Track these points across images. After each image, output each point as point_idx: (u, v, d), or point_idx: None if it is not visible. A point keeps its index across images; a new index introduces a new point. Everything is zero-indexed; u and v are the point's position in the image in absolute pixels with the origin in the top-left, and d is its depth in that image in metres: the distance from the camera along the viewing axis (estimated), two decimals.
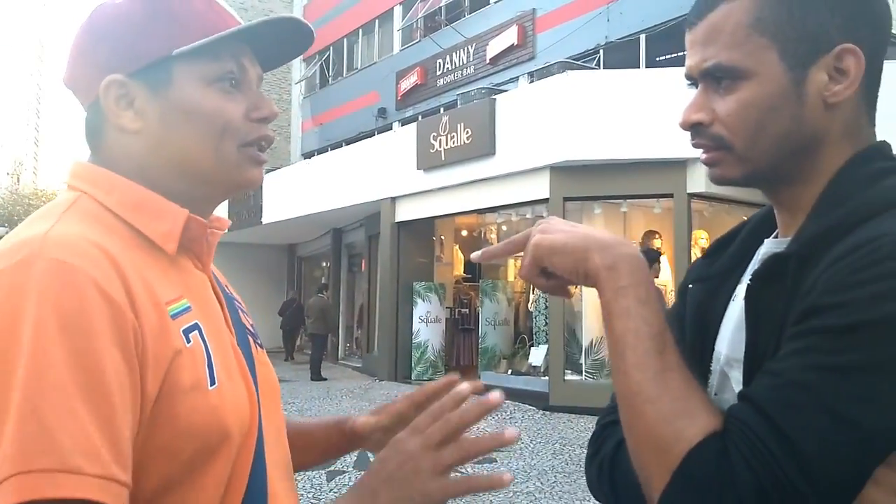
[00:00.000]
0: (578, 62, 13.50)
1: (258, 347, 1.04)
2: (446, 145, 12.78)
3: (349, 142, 19.45)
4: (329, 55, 23.93)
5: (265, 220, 18.77)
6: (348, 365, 17.72)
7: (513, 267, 15.03)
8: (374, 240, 15.62)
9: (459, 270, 15.91)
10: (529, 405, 10.56)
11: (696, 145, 0.96)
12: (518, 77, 16.19)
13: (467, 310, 15.12)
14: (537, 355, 11.77)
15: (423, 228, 14.64)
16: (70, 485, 0.71)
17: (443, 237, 15.48)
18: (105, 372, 0.76)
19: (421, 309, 14.07)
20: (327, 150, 20.41)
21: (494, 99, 12.24)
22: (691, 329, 1.02)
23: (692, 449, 0.79)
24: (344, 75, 23.35)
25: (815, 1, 0.89)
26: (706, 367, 0.99)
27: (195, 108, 0.94)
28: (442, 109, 16.10)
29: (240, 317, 1.05)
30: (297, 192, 17.27)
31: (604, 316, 0.89)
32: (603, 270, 0.88)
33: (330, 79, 23.94)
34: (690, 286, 1.07)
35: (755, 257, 1.00)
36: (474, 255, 1.07)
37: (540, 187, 11.07)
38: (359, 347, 18.08)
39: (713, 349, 0.99)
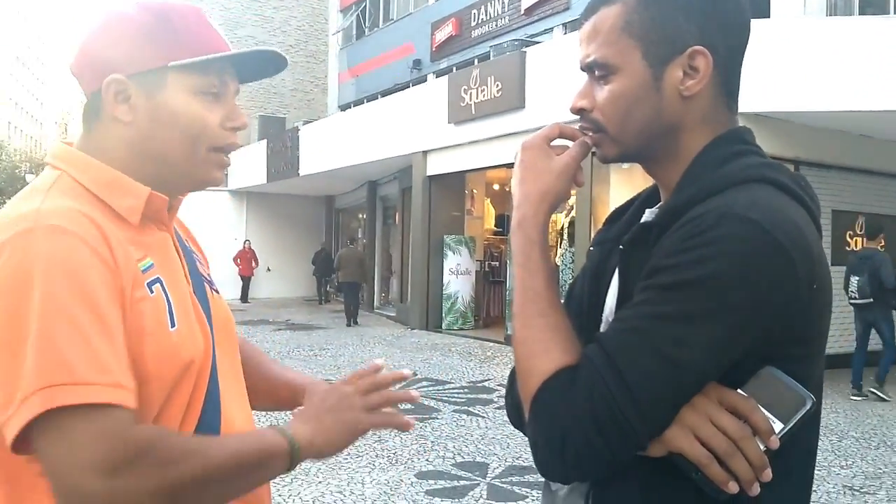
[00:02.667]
0: None
1: (214, 293, 1.25)
2: (477, 98, 12.82)
3: (385, 94, 19.52)
4: (365, 5, 23.85)
5: (302, 171, 19.02)
6: (382, 314, 18.11)
7: None
8: (407, 193, 15.79)
9: (490, 224, 16.06)
10: None
11: (581, 128, 1.14)
12: (553, 28, 16.02)
13: (497, 262, 15.32)
14: None
15: (454, 182, 14.77)
16: (84, 393, 0.90)
17: (474, 191, 15.61)
18: (103, 306, 0.96)
19: (451, 261, 14.31)
20: (363, 102, 20.52)
21: (524, 52, 12.20)
22: (589, 285, 1.20)
23: (545, 380, 0.97)
24: (380, 26, 23.28)
25: (674, 10, 1.06)
26: (599, 316, 1.16)
27: (180, 112, 1.12)
28: (476, 61, 16.05)
29: (197, 267, 1.24)
30: (334, 144, 17.45)
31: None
32: (515, 226, 1.10)
33: (367, 30, 23.89)
34: (591, 248, 1.25)
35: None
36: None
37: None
38: (392, 297, 18.42)
39: (604, 302, 1.17)
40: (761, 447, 0.91)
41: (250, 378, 1.31)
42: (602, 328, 1.14)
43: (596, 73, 1.09)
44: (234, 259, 20.72)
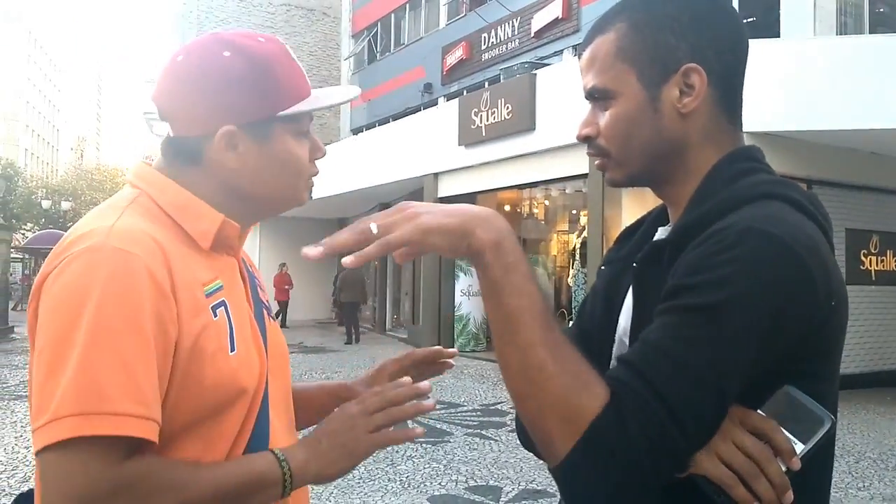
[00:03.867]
0: None
1: (271, 319, 1.27)
2: (487, 121, 12.89)
3: (396, 117, 19.65)
4: (377, 31, 24.10)
5: (315, 194, 18.95)
6: (395, 336, 18.08)
7: (555, 241, 15.13)
8: None
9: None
10: None
11: (589, 154, 1.15)
12: (563, 50, 16.13)
13: None
14: None
15: (465, 203, 14.79)
16: (115, 425, 0.93)
17: None
18: (149, 332, 0.98)
19: (463, 283, 14.31)
20: (375, 126, 20.65)
21: (535, 74, 12.28)
22: (601, 304, 1.19)
23: (595, 419, 0.88)
24: (391, 51, 23.50)
25: (664, 31, 1.07)
26: (612, 336, 1.16)
27: (286, 158, 1.17)
28: (486, 84, 16.16)
29: (258, 293, 1.26)
30: (346, 167, 17.56)
31: (489, 292, 0.92)
32: (489, 246, 0.91)
33: (378, 54, 24.11)
34: (602, 268, 1.25)
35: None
36: (313, 253, 0.97)
37: (580, 162, 11.11)
38: (404, 319, 18.40)
39: (618, 321, 1.16)
40: (783, 468, 0.91)
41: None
42: (615, 347, 1.13)
43: (597, 99, 1.11)
44: (274, 283, 20.40)
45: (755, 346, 0.91)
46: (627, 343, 1.08)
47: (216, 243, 1.15)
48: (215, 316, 1.09)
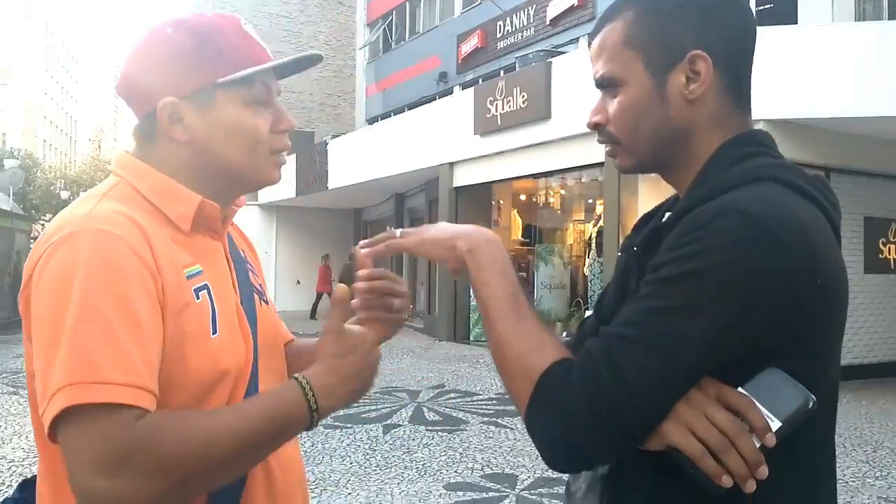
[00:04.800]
0: None
1: (262, 303, 1.28)
2: (503, 109, 12.86)
3: (411, 106, 19.64)
4: (392, 19, 24.06)
5: (331, 185, 19.19)
6: (411, 326, 18.15)
7: (571, 230, 15.10)
8: (434, 204, 15.86)
9: (517, 235, 16.04)
10: None
11: (599, 141, 1.18)
12: (578, 38, 16.05)
13: (525, 273, 15.29)
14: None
15: (481, 193, 14.80)
16: (106, 392, 0.94)
17: (500, 201, 15.62)
18: (138, 310, 1.00)
19: None
20: (390, 116, 20.65)
21: (550, 62, 12.22)
22: (616, 291, 1.22)
23: (541, 376, 0.99)
24: (406, 40, 23.46)
25: (670, 18, 1.09)
26: None
27: (234, 126, 1.16)
28: (502, 73, 16.12)
29: (248, 277, 1.27)
30: (361, 157, 17.60)
31: (472, 288, 1.11)
32: (466, 253, 1.11)
33: (393, 43, 24.09)
34: (619, 254, 1.28)
35: None
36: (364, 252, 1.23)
37: (596, 151, 11.04)
38: (420, 308, 18.47)
39: None
40: (757, 444, 0.92)
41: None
42: None
43: (606, 87, 1.13)
44: (319, 274, 20.36)
45: (721, 319, 0.93)
46: None
47: (196, 224, 1.17)
48: (197, 298, 1.10)
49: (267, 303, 1.31)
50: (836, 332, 1.03)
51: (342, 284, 1.19)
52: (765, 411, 0.93)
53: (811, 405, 0.94)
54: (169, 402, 1.04)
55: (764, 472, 0.92)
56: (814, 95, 8.94)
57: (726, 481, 0.92)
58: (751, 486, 0.92)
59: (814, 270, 0.95)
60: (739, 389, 0.95)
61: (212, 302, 1.13)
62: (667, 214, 1.18)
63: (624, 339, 0.95)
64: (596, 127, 1.15)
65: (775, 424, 0.93)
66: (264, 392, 1.12)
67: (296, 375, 1.09)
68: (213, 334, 1.11)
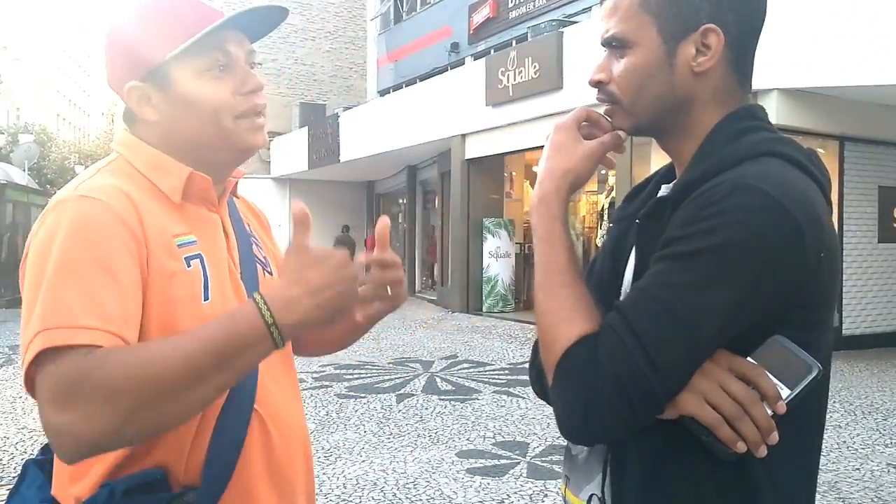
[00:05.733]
0: None
1: (266, 274, 1.30)
2: (514, 80, 12.78)
3: (423, 78, 19.53)
4: None
5: (343, 157, 19.17)
6: (424, 297, 18.24)
7: (585, 203, 15.07)
8: (446, 177, 15.84)
9: (529, 206, 15.94)
10: None
11: (598, 100, 1.19)
12: (591, 7, 15.86)
13: None
14: None
15: (493, 165, 14.76)
16: (77, 335, 0.98)
17: (513, 173, 15.59)
18: (117, 269, 1.04)
19: (491, 244, 14.35)
20: (402, 87, 20.56)
21: (562, 32, 12.11)
22: (608, 262, 1.24)
23: (569, 347, 1.01)
24: (417, 10, 23.27)
25: None
26: (618, 293, 1.20)
27: (192, 98, 1.17)
28: (514, 43, 15.98)
29: (251, 250, 1.30)
30: (373, 129, 17.54)
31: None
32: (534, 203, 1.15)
33: (404, 14, 23.90)
34: (610, 225, 1.31)
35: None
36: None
37: None
38: (434, 281, 18.54)
39: (623, 277, 1.21)
40: (768, 412, 0.97)
41: None
42: (622, 297, 1.17)
43: (614, 47, 1.14)
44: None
45: (739, 292, 0.96)
46: None
47: (188, 196, 1.20)
48: (189, 266, 1.13)
49: (271, 273, 1.32)
50: (833, 301, 1.07)
51: (301, 203, 1.13)
52: (775, 380, 0.97)
53: (817, 373, 0.98)
54: None
55: (775, 438, 0.97)
56: (828, 63, 8.84)
57: (741, 447, 0.96)
58: (762, 452, 0.97)
59: (820, 242, 0.99)
60: (749, 359, 0.98)
61: (204, 270, 1.16)
62: (663, 187, 1.21)
63: (645, 313, 0.97)
64: (598, 84, 1.17)
65: (785, 392, 0.97)
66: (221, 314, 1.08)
67: (254, 295, 1.05)
68: (205, 300, 1.14)
